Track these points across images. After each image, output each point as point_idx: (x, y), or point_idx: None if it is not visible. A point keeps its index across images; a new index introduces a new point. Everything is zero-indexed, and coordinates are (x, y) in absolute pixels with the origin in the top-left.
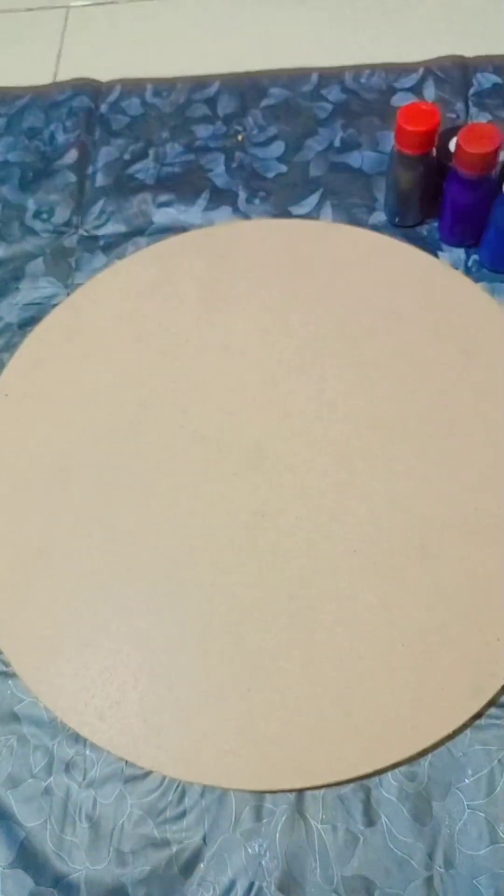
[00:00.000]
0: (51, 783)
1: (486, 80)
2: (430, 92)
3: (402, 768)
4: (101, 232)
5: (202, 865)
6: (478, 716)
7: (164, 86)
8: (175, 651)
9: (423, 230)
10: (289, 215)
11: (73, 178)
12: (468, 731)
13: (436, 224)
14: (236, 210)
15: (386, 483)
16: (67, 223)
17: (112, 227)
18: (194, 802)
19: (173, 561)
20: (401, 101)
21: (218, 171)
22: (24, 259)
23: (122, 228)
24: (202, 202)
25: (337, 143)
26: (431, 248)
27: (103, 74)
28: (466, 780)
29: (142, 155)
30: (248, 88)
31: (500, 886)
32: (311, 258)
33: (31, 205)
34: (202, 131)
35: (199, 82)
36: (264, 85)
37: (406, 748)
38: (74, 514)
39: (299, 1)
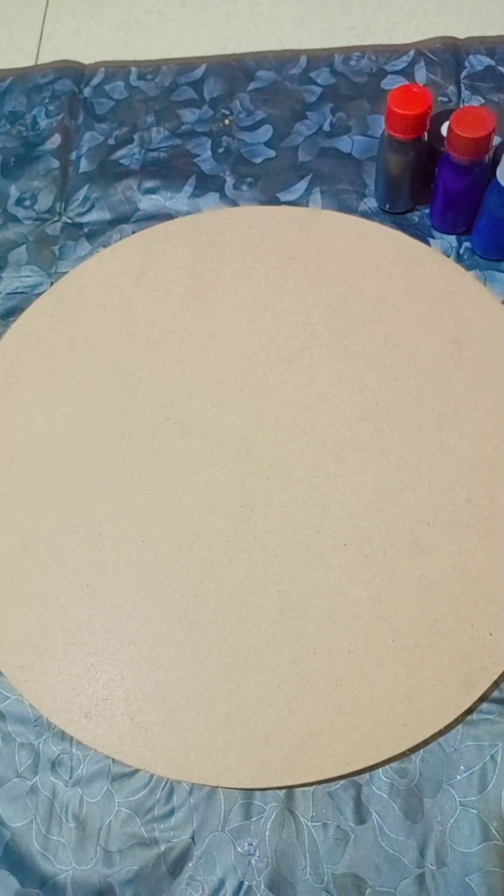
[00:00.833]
0: (36, 782)
1: (479, 62)
2: (421, 75)
3: (394, 765)
4: (85, 219)
5: (191, 864)
6: (469, 711)
7: (148, 69)
8: (162, 647)
9: (415, 217)
10: (277, 202)
11: (56, 163)
12: (460, 727)
13: (427, 210)
14: (223, 196)
15: (376, 475)
16: (51, 210)
17: (96, 215)
18: (182, 801)
19: (160, 556)
20: (391, 84)
21: (205, 157)
22: (6, 247)
23: (106, 216)
24: (188, 188)
25: (326, 128)
26: (422, 235)
27: (86, 57)
28: (458, 777)
29: (127, 140)
30: (235, 71)
31: (492, 883)
32: (300, 246)
33: (13, 191)
34: (188, 115)
35: (185, 65)
36: (251, 68)
37: (397, 744)
38: (59, 509)
39: None
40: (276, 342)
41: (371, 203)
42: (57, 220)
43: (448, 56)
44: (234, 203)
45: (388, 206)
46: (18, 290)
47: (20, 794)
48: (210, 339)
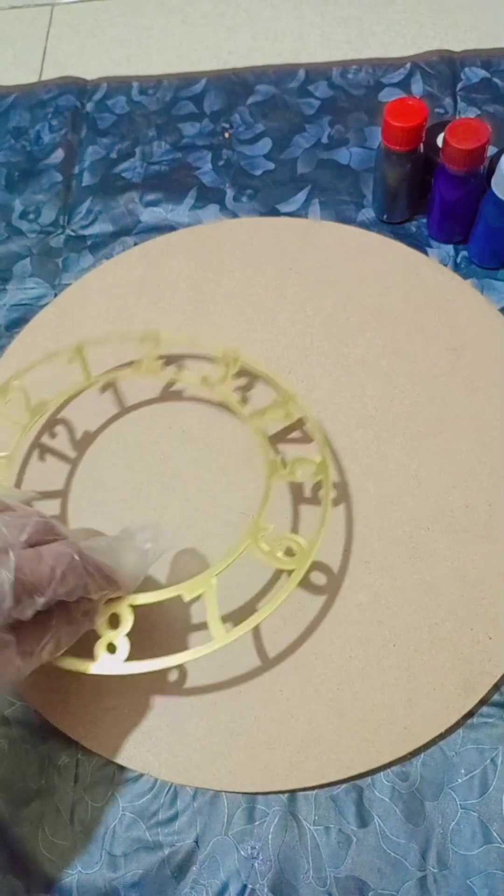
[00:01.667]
0: (42, 787)
1: (474, 74)
2: (417, 87)
3: (395, 768)
4: (88, 232)
5: (195, 868)
6: (470, 714)
7: (150, 84)
8: None
9: (412, 227)
10: (276, 213)
11: (59, 177)
12: (460, 731)
13: (424, 220)
14: (224, 208)
15: (376, 482)
16: (54, 223)
17: (99, 227)
18: (186, 805)
19: (162, 561)
20: (388, 96)
21: (205, 170)
22: (11, 260)
23: (109, 228)
24: (189, 201)
25: (324, 140)
26: (420, 245)
27: (89, 72)
28: (459, 780)
29: (128, 154)
30: (234, 85)
31: (494, 886)
32: (299, 256)
33: (17, 205)
34: (189, 129)
35: (186, 80)
36: (251, 82)
37: (398, 748)
38: (62, 516)
39: None
40: (275, 351)
41: (369, 213)
42: (60, 233)
43: (444, 68)
44: (234, 215)
45: (385, 216)
46: (23, 302)
47: (26, 798)
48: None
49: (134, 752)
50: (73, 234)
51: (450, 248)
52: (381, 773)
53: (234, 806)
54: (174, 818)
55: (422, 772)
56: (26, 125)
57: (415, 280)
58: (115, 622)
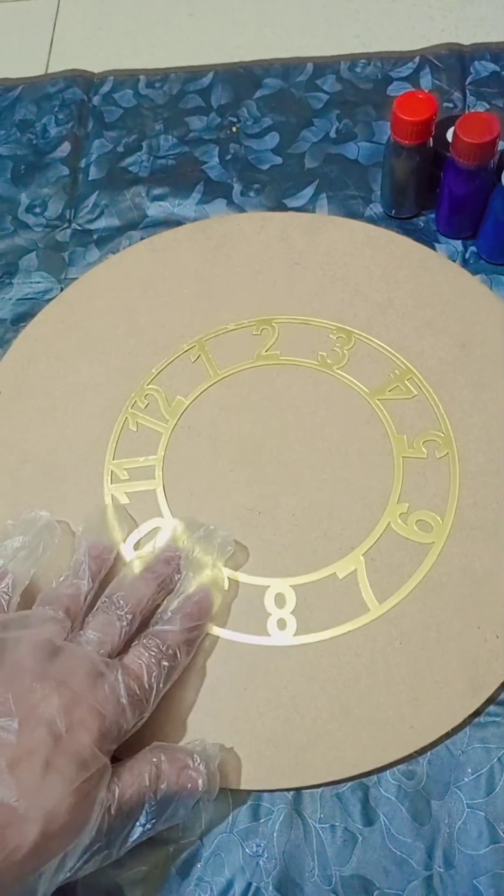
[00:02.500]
0: None
1: (484, 68)
2: (426, 81)
3: (401, 767)
4: (94, 226)
5: (199, 865)
6: (477, 713)
7: (156, 77)
8: None
9: (420, 222)
10: (284, 208)
11: (65, 171)
12: (467, 730)
13: (433, 215)
14: (231, 203)
15: (382, 478)
16: (60, 217)
17: (106, 221)
18: None
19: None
20: (397, 90)
21: (212, 164)
22: (17, 254)
23: (115, 222)
24: (196, 195)
25: (332, 134)
26: (428, 240)
27: (95, 66)
28: (466, 779)
29: (135, 147)
30: (242, 79)
31: (500, 886)
32: (307, 251)
33: (23, 199)
34: (196, 123)
35: (193, 73)
36: (258, 75)
37: (404, 746)
38: (69, 513)
39: None
40: (283, 346)
41: (377, 208)
42: (67, 227)
43: (453, 62)
44: (241, 209)
45: (393, 211)
46: (29, 296)
47: None
48: (217, 344)
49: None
50: (79, 228)
51: (458, 243)
52: (388, 772)
53: (238, 803)
54: None
55: (428, 771)
56: (32, 118)
57: (423, 276)
58: (280, 601)
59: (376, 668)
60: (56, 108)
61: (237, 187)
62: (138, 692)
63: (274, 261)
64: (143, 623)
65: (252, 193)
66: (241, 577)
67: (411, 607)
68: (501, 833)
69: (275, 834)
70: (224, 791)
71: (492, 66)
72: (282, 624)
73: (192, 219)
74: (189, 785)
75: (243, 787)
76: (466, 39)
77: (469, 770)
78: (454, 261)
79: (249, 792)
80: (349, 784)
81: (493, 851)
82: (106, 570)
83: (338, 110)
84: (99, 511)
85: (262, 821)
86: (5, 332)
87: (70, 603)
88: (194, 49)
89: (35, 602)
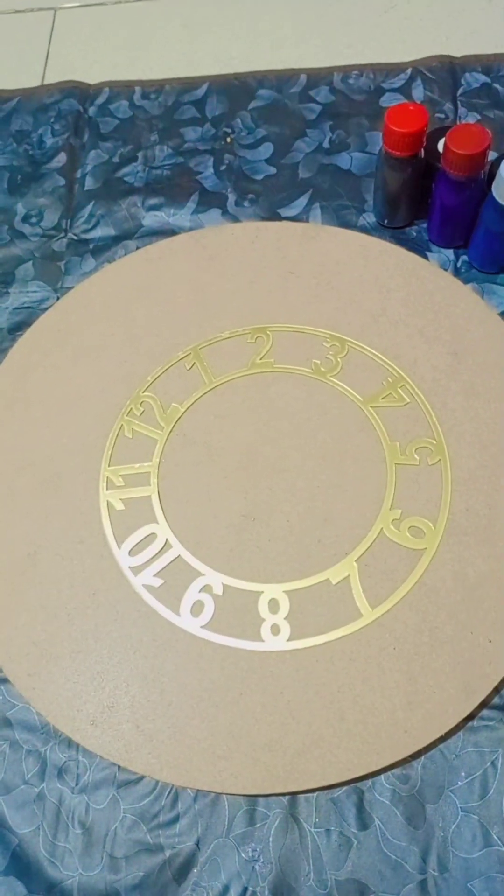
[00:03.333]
0: (43, 789)
1: (475, 79)
2: (418, 92)
3: (395, 771)
4: (90, 235)
5: (196, 870)
6: (470, 717)
7: (152, 88)
8: (167, 656)
9: (412, 231)
10: (278, 217)
11: (62, 181)
12: (461, 733)
13: (425, 225)
14: (225, 213)
15: (376, 485)
16: (57, 227)
17: (101, 231)
18: (187, 807)
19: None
20: (389, 101)
21: (207, 174)
22: (13, 263)
23: (111, 232)
24: (191, 205)
25: (326, 145)
26: (420, 250)
27: (91, 77)
28: (459, 783)
29: (131, 158)
30: (236, 90)
31: (494, 889)
32: (300, 260)
33: (20, 209)
34: (191, 134)
35: (188, 84)
36: (252, 86)
37: (399, 751)
38: (65, 519)
39: (286, 1)
40: (277, 354)
41: (370, 218)
42: (63, 237)
43: (445, 74)
44: (235, 219)
45: (386, 221)
46: (25, 305)
47: (27, 800)
48: (212, 352)
49: (135, 755)
50: (75, 237)
51: (450, 252)
52: (382, 776)
53: (234, 808)
54: (175, 820)
55: (422, 775)
56: (29, 129)
57: (415, 284)
58: (274, 607)
59: (370, 673)
60: (52, 119)
61: (232, 197)
62: None
63: (268, 270)
64: None
65: (246, 203)
66: (235, 582)
67: (404, 612)
68: (495, 836)
69: (270, 838)
70: (220, 796)
71: (483, 78)
72: (275, 629)
73: (187, 228)
74: None
75: (239, 791)
76: (457, 51)
77: (463, 774)
78: (446, 270)
79: (245, 797)
80: (344, 788)
81: (487, 855)
82: None
83: (331, 121)
84: None
85: (257, 825)
86: (2, 341)
87: None
88: (189, 61)
89: None
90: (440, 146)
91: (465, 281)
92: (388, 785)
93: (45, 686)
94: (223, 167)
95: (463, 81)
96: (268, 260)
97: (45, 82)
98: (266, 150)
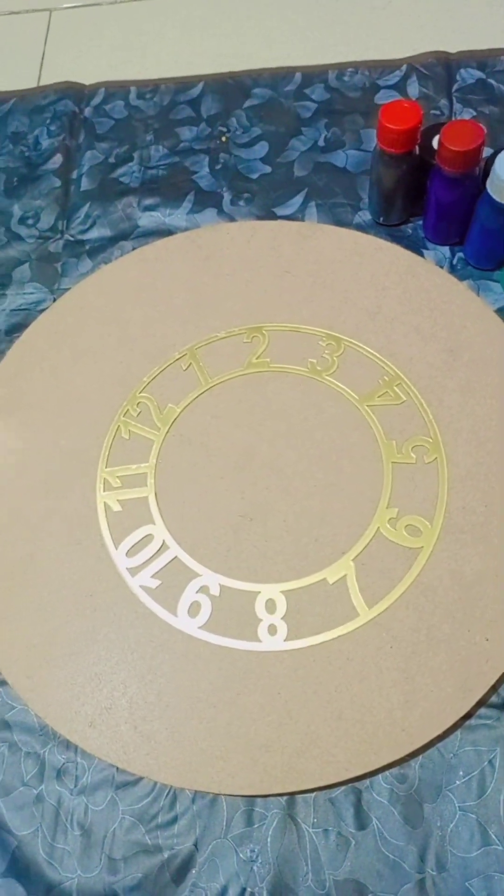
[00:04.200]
0: (42, 791)
1: (470, 75)
2: (413, 89)
3: (393, 770)
4: (86, 236)
5: (194, 871)
6: (468, 716)
7: (147, 88)
8: (164, 656)
9: (408, 229)
10: (274, 216)
11: (57, 182)
12: (458, 732)
13: (420, 222)
14: (221, 212)
15: (373, 484)
16: (53, 228)
17: (97, 232)
18: (185, 808)
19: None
20: (384, 98)
21: (202, 174)
22: (9, 265)
23: (107, 233)
24: (187, 205)
25: (321, 143)
26: (416, 247)
27: (87, 77)
28: (457, 782)
29: (126, 158)
30: (231, 89)
31: (492, 888)
32: (296, 259)
33: (16, 210)
34: (186, 133)
35: (183, 84)
36: (247, 85)
37: (396, 750)
38: (63, 521)
39: (281, 0)
40: (273, 353)
41: (365, 216)
42: (59, 238)
43: (440, 70)
44: (231, 218)
45: (382, 218)
46: (22, 307)
47: (26, 802)
48: (208, 352)
49: (133, 756)
50: (71, 238)
51: (446, 249)
52: (380, 776)
53: (233, 809)
54: (173, 821)
55: (420, 774)
56: (25, 130)
57: (411, 282)
58: (271, 607)
59: (367, 673)
60: (48, 120)
61: (227, 196)
62: None
63: (264, 269)
64: None
65: (242, 202)
66: (232, 583)
67: (401, 611)
68: (493, 835)
69: (269, 839)
70: (218, 797)
71: (478, 74)
72: (272, 629)
73: (183, 228)
74: None
75: (237, 792)
76: (452, 47)
77: (461, 773)
78: (442, 267)
79: (243, 797)
80: (342, 788)
81: (485, 854)
82: None
83: (326, 119)
84: None
85: (255, 826)
86: None
87: None
88: (184, 60)
89: None
90: (435, 143)
91: (461, 278)
92: (386, 784)
93: (43, 688)
94: (218, 166)
95: (458, 77)
96: (263, 259)
97: (41, 83)
98: (261, 148)
